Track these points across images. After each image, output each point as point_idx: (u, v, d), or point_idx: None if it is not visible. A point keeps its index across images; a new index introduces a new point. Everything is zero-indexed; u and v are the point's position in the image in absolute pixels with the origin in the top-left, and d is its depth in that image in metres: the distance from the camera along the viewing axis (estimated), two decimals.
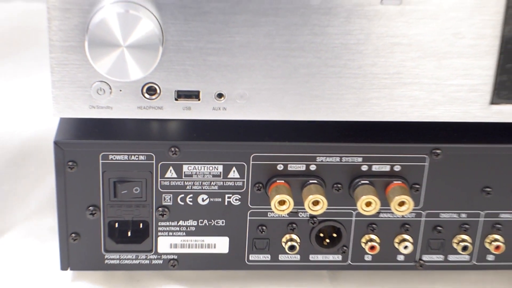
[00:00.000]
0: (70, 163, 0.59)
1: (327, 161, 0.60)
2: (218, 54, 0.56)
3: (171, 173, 0.60)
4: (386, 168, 0.61)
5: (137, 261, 0.62)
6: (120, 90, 0.56)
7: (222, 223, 0.62)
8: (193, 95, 0.57)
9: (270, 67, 0.57)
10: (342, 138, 0.61)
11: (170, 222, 0.61)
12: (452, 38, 0.57)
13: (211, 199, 0.61)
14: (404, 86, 0.58)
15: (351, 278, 0.66)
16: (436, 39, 0.57)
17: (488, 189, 0.62)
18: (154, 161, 0.59)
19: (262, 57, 0.56)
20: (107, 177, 0.59)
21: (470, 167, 0.62)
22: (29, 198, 0.73)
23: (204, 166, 0.60)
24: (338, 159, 0.60)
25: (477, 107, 0.59)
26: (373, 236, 0.62)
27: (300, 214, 0.62)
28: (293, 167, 0.60)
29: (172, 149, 0.59)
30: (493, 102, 0.59)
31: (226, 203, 0.61)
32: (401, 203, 0.59)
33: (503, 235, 0.63)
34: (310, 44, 0.56)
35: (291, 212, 0.60)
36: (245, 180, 0.60)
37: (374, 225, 0.63)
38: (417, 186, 0.62)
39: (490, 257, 0.64)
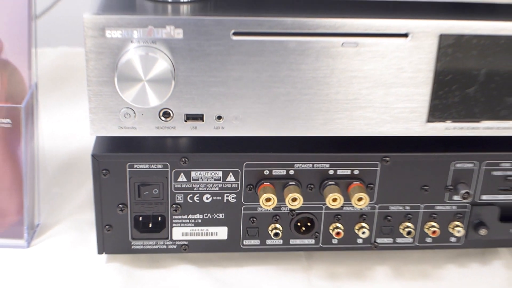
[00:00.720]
0: (104, 171, 0.58)
1: (302, 167, 0.60)
2: (217, 86, 0.56)
3: (182, 178, 0.60)
4: (348, 172, 0.61)
5: (156, 246, 0.62)
6: (142, 114, 0.56)
7: (222, 216, 0.62)
8: (199, 117, 0.57)
9: (257, 95, 0.56)
10: (313, 150, 0.61)
11: (182, 216, 0.61)
12: (396, 72, 0.57)
13: (213, 198, 0.61)
14: (360, 109, 0.58)
15: (322, 257, 0.65)
16: (384, 72, 0.57)
17: (426, 187, 0.62)
18: (168, 169, 0.59)
19: (251, 88, 0.56)
20: (132, 182, 0.59)
21: (412, 171, 0.62)
22: (72, 199, 0.72)
23: (207, 172, 0.60)
24: (310, 165, 0.60)
25: (416, 124, 0.59)
26: (338, 225, 0.62)
27: (282, 209, 0.61)
28: (276, 172, 0.60)
29: (183, 159, 0.59)
30: (428, 120, 0.59)
31: (225, 201, 0.61)
32: (359, 199, 0.59)
33: (438, 222, 0.63)
34: (288, 78, 0.56)
35: (275, 207, 0.59)
36: (239, 182, 0.60)
37: (339, 216, 0.62)
38: (372, 185, 0.61)
39: (428, 240, 0.64)
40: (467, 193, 0.61)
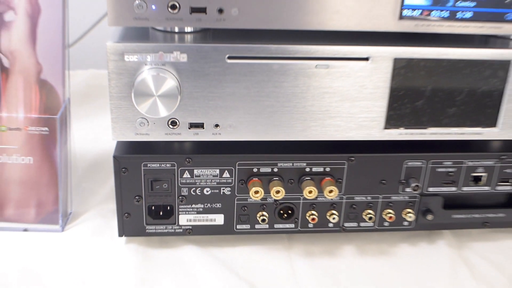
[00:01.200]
0: (123, 169, 0.58)
1: (284, 166, 0.60)
2: (215, 100, 0.56)
3: (186, 175, 0.60)
4: (321, 169, 0.61)
5: (166, 230, 0.62)
6: (154, 123, 0.56)
7: (219, 205, 0.61)
8: (200, 125, 0.57)
9: (247, 107, 0.57)
10: (293, 151, 0.60)
11: (187, 205, 0.61)
12: (360, 88, 0.57)
13: (212, 191, 0.61)
14: (331, 118, 0.58)
15: (300, 238, 0.65)
16: (350, 89, 0.57)
17: (384, 181, 0.62)
18: (176, 167, 0.59)
19: (243, 101, 0.56)
20: (146, 178, 0.59)
21: (372, 168, 0.62)
22: (98, 192, 0.72)
23: (207, 170, 0.60)
24: (291, 164, 0.60)
25: (376, 131, 0.59)
26: (313, 212, 0.62)
27: (268, 199, 0.61)
28: (263, 169, 0.60)
29: (187, 159, 0.59)
30: (385, 127, 0.59)
31: (221, 193, 0.61)
32: (330, 191, 0.60)
33: (394, 209, 0.63)
34: (272, 93, 0.56)
35: (262, 198, 0.59)
36: (233, 178, 0.60)
37: (314, 205, 0.62)
38: (340, 180, 0.61)
39: (386, 223, 0.64)
40: (417, 186, 0.61)
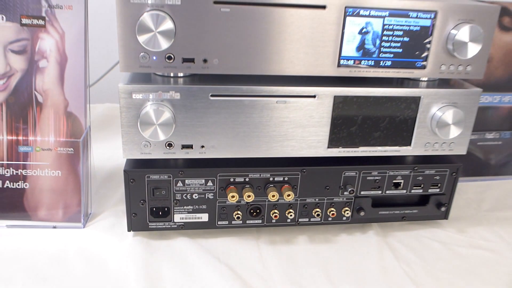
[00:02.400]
0: (131, 180, 0.58)
1: (254, 176, 0.60)
2: (201, 127, 0.56)
3: (180, 184, 0.59)
4: (281, 178, 0.61)
5: (164, 226, 0.62)
6: (155, 145, 0.56)
7: (204, 207, 0.61)
8: (190, 146, 0.57)
9: (226, 133, 0.57)
10: (260, 165, 0.60)
11: (180, 207, 0.61)
12: (309, 118, 0.58)
13: (199, 196, 0.60)
14: (288, 140, 0.59)
15: (266, 231, 0.65)
16: (302, 118, 0.58)
17: (328, 187, 0.63)
18: (171, 178, 0.59)
19: (222, 128, 0.57)
20: (149, 186, 0.59)
21: (319, 177, 0.62)
22: (112, 197, 0.71)
23: (195, 180, 0.60)
24: (258, 175, 0.60)
25: (321, 150, 0.60)
26: (276, 211, 0.62)
27: (241, 202, 0.61)
28: (238, 179, 0.60)
29: (180, 172, 0.59)
30: (328, 147, 0.60)
31: (206, 198, 0.61)
32: (288, 195, 0.60)
33: (335, 208, 0.64)
34: (244, 122, 0.57)
35: (237, 201, 0.60)
36: (215, 186, 0.60)
37: (276, 206, 0.62)
38: (296, 186, 0.62)
39: (329, 218, 0.64)
40: (352, 190, 0.62)
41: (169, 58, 0.53)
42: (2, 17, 0.59)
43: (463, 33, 0.56)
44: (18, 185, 0.62)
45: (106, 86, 0.86)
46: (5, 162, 0.62)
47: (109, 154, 0.80)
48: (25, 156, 0.62)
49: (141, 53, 0.52)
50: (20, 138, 0.61)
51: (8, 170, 0.62)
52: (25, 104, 0.61)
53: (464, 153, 0.64)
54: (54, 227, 0.63)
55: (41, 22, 0.59)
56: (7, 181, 0.62)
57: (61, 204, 0.63)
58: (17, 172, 0.62)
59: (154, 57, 0.53)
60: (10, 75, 0.60)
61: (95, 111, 0.97)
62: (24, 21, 0.59)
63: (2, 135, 0.61)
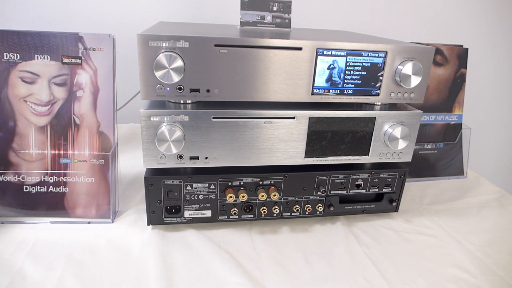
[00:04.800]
0: (150, 185, 0.57)
1: (247, 180, 0.60)
2: (205, 142, 0.56)
3: (189, 187, 0.59)
4: (268, 182, 0.60)
5: (176, 221, 0.60)
6: (169, 157, 0.55)
7: (208, 205, 0.60)
8: (196, 157, 0.56)
9: (224, 147, 0.56)
10: (252, 172, 0.60)
11: (189, 206, 0.60)
12: (290, 135, 0.57)
13: (204, 196, 0.59)
14: (273, 152, 0.58)
15: (257, 223, 0.64)
16: (284, 135, 0.57)
17: (305, 188, 0.62)
18: (182, 183, 0.58)
19: (222, 143, 0.56)
20: (164, 189, 0.58)
21: (298, 180, 0.61)
22: (135, 198, 0.70)
23: (201, 184, 0.59)
24: (250, 179, 0.60)
25: (299, 159, 0.59)
26: (264, 207, 0.62)
27: (237, 201, 0.60)
28: (234, 183, 0.59)
29: (189, 178, 0.58)
30: (305, 157, 0.59)
31: (209, 198, 0.60)
32: (274, 195, 0.59)
33: (311, 204, 0.63)
34: (239, 138, 0.56)
35: (234, 200, 0.59)
36: (216, 189, 0.59)
37: (264, 203, 0.62)
38: (280, 188, 0.61)
39: (307, 213, 0.64)
40: (324, 190, 0.62)
41: (180, 89, 0.52)
42: (47, 57, 0.58)
43: (407, 68, 0.56)
44: (60, 189, 0.61)
45: (130, 110, 0.84)
46: (49, 171, 0.60)
47: (133, 163, 0.79)
48: (65, 166, 0.60)
49: (158, 85, 0.51)
50: (62, 152, 0.60)
51: (52, 177, 0.60)
52: (65, 125, 0.59)
53: (409, 160, 0.64)
54: (88, 223, 0.61)
55: (78, 61, 0.58)
56: (51, 186, 0.60)
57: (94, 204, 0.62)
58: (58, 179, 0.60)
59: (168, 88, 0.52)
60: (53, 102, 0.59)
61: (122, 130, 0.96)
62: (65, 60, 0.58)
63: (47, 150, 0.60)
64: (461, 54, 0.82)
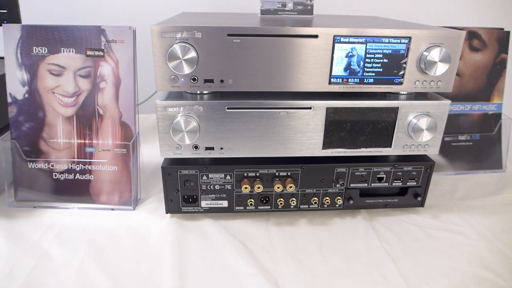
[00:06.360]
0: (167, 174, 0.58)
1: (263, 172, 0.59)
2: (220, 133, 0.56)
3: (205, 177, 0.59)
4: (285, 173, 0.60)
5: (193, 210, 0.61)
6: (184, 147, 0.56)
7: (224, 195, 0.60)
8: (211, 148, 0.56)
9: (239, 137, 0.56)
10: (268, 163, 0.59)
11: (205, 195, 0.60)
12: (307, 125, 0.56)
13: (220, 187, 0.60)
14: (290, 143, 0.57)
15: (273, 215, 0.64)
16: (301, 126, 0.56)
17: (323, 180, 0.61)
18: (198, 173, 0.59)
19: (237, 134, 0.56)
20: (181, 179, 0.59)
21: (316, 172, 0.60)
22: (155, 187, 0.71)
23: (217, 174, 0.59)
24: (267, 170, 0.59)
25: (317, 151, 0.58)
26: (281, 199, 0.61)
27: (253, 191, 0.60)
28: (250, 174, 0.59)
29: (205, 168, 0.58)
30: (323, 148, 0.58)
31: (225, 188, 0.60)
32: (290, 187, 0.58)
33: (329, 197, 0.62)
34: (254, 128, 0.56)
35: (250, 191, 0.59)
36: (232, 179, 0.59)
37: (281, 195, 0.61)
38: (297, 180, 0.60)
39: (325, 206, 0.62)
40: (343, 183, 0.60)
41: (194, 79, 0.52)
42: (72, 50, 0.60)
43: (433, 54, 0.52)
44: (85, 177, 0.63)
45: (149, 104, 0.86)
46: (75, 159, 0.63)
47: (157, 152, 0.80)
48: (91, 155, 0.63)
49: (172, 76, 0.52)
50: (87, 141, 0.62)
51: (78, 165, 0.63)
52: (90, 116, 0.62)
53: (436, 153, 0.60)
54: (112, 209, 0.64)
55: (101, 53, 0.60)
56: (78, 174, 0.63)
57: (117, 191, 0.64)
58: (84, 167, 0.63)
59: (182, 79, 0.52)
60: (79, 94, 0.61)
61: (144, 121, 0.96)
62: (89, 53, 0.60)
63: (73, 139, 0.62)
64: (502, 38, 0.75)
